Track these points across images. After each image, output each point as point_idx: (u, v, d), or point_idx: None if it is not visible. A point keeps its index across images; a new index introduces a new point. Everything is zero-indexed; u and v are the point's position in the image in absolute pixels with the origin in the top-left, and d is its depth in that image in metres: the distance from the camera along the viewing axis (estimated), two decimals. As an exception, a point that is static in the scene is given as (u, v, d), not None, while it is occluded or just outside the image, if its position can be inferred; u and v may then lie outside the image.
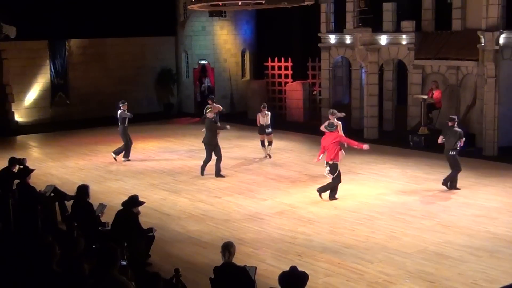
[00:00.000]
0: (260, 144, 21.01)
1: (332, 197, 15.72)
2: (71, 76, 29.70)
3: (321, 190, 15.74)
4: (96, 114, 29.34)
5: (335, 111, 17.72)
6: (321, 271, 11.15)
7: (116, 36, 30.45)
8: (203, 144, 18.76)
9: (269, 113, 20.99)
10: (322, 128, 16.74)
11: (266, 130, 20.69)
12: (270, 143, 20.89)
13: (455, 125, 16.25)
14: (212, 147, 18.50)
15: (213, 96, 22.72)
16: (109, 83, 30.50)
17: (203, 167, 18.58)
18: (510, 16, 21.15)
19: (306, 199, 15.90)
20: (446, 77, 23.11)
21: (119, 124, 20.55)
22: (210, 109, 19.36)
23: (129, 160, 20.64)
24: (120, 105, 20.60)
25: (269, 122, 20.74)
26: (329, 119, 17.24)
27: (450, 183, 16.35)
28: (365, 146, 16.14)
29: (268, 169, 19.41)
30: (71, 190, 13.74)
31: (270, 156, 20.77)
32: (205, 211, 15.12)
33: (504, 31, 20.32)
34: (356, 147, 16.17)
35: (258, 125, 20.85)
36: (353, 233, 13.22)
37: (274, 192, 16.68)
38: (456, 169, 16.28)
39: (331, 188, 15.74)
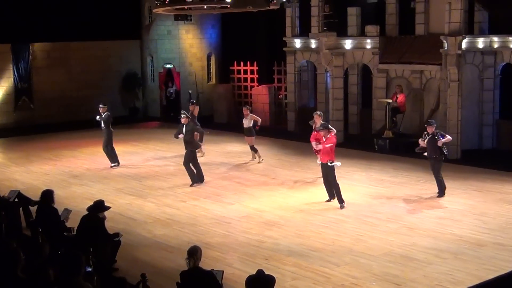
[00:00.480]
0: (250, 149, 20.85)
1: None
2: (35, 80, 29.42)
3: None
4: (60, 118, 29.11)
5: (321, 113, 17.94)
6: (288, 274, 11.18)
7: (81, 40, 30.22)
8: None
9: None
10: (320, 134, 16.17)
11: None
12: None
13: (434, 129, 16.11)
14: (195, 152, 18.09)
15: (194, 101, 22.57)
16: (74, 87, 30.28)
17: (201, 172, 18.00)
18: (472, 21, 21.48)
19: (273, 203, 15.93)
20: (410, 81, 23.37)
21: (106, 127, 19.99)
22: (184, 116, 18.18)
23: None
24: (103, 106, 20.15)
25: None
26: (315, 121, 17.34)
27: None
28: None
29: (235, 173, 19.40)
30: (35, 195, 13.58)
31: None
32: (171, 215, 15.07)
33: (467, 36, 20.61)
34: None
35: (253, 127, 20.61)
36: (319, 236, 13.28)
37: (241, 196, 16.68)
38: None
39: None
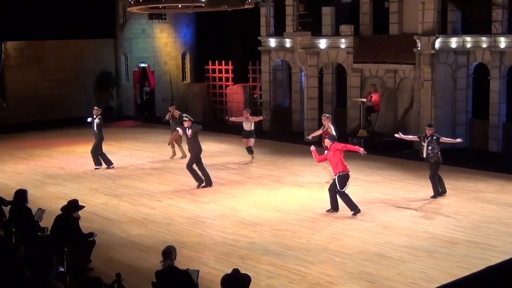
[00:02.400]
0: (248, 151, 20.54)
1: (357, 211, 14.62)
2: (7, 79, 29.15)
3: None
4: (34, 117, 28.86)
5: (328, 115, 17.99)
6: (264, 273, 11.19)
7: (54, 38, 30.00)
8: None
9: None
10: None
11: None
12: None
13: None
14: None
15: (173, 101, 22.42)
16: (48, 86, 30.05)
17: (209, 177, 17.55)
18: (445, 21, 21.67)
19: (248, 201, 15.95)
20: (384, 81, 23.52)
21: (99, 131, 19.86)
22: (187, 119, 17.57)
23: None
24: (97, 109, 20.00)
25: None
26: (323, 124, 17.48)
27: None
28: (361, 150, 15.17)
29: (210, 172, 19.30)
30: (9, 195, 13.46)
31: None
32: (146, 215, 15.02)
33: (440, 36, 20.79)
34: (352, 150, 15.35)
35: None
36: (294, 235, 13.31)
37: (216, 195, 16.67)
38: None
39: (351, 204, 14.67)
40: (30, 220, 11.76)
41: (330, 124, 17.54)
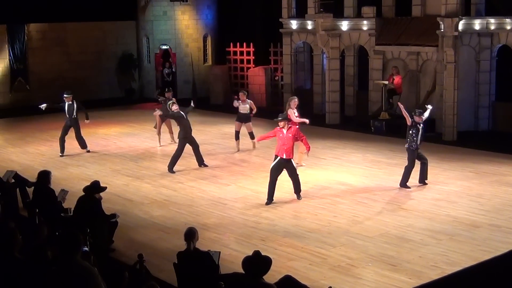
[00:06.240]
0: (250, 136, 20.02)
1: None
2: (30, 61, 29.32)
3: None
4: (56, 99, 28.86)
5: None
6: (284, 255, 11.23)
7: (76, 21, 30.09)
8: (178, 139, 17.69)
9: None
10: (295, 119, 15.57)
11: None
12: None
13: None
14: (188, 140, 17.46)
15: (170, 88, 22.38)
16: (70, 68, 30.20)
17: (173, 163, 17.34)
18: (468, 3, 21.42)
19: (269, 184, 15.95)
20: (406, 63, 23.36)
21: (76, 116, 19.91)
22: (173, 102, 17.90)
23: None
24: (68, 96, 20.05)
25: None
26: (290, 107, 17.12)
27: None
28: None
29: (231, 154, 19.41)
30: (32, 176, 13.61)
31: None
32: (168, 196, 15.11)
33: (463, 18, 20.57)
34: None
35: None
36: (315, 217, 13.32)
37: (237, 177, 16.71)
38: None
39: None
40: (53, 201, 11.87)
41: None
